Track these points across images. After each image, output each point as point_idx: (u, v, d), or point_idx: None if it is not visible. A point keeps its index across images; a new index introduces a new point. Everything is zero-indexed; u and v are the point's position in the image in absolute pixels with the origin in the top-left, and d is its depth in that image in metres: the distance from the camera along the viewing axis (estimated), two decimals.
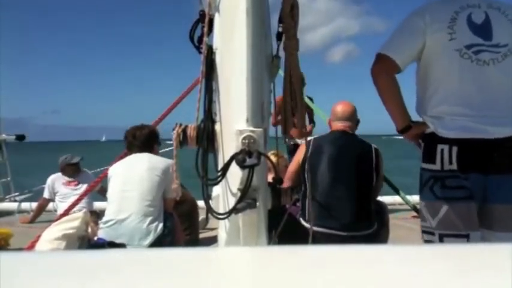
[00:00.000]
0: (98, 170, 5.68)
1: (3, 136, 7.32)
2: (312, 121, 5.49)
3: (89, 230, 3.46)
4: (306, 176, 2.76)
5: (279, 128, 1.80)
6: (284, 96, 1.66)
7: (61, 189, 5.01)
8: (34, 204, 5.88)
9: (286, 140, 4.95)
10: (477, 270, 0.56)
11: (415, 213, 3.82)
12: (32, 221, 5.20)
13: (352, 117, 3.00)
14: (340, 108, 3.01)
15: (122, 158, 3.53)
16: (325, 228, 2.63)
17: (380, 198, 3.12)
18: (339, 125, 2.96)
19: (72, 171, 5.09)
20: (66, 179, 5.07)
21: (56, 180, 5.07)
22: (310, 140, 2.92)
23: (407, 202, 3.66)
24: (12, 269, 0.58)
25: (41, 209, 5.29)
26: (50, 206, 5.27)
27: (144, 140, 3.42)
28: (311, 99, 5.26)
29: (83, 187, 4.88)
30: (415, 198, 5.11)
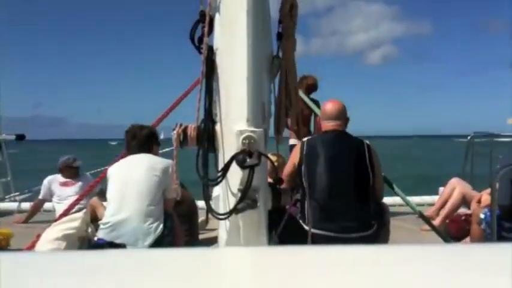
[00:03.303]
0: (98, 170, 5.66)
1: (3, 136, 7.31)
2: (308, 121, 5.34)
3: (89, 230, 3.46)
4: (303, 178, 2.74)
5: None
6: (279, 96, 1.65)
7: (57, 191, 4.99)
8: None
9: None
10: (477, 270, 0.56)
11: (417, 215, 3.81)
12: (26, 221, 5.19)
13: (342, 116, 2.96)
14: (329, 107, 2.97)
15: (121, 158, 3.52)
16: (324, 230, 2.62)
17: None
18: (329, 125, 2.93)
19: (71, 174, 5.07)
20: (63, 179, 5.05)
21: (53, 182, 5.05)
22: (303, 142, 2.89)
23: (409, 204, 3.65)
24: (12, 269, 0.58)
25: (35, 209, 5.27)
26: (50, 205, 5.25)
27: (143, 140, 3.42)
28: (317, 102, 5.12)
29: (79, 188, 4.87)
30: (415, 200, 5.11)
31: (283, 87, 1.62)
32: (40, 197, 5.16)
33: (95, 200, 4.08)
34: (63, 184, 5.03)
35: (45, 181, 5.08)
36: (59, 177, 5.08)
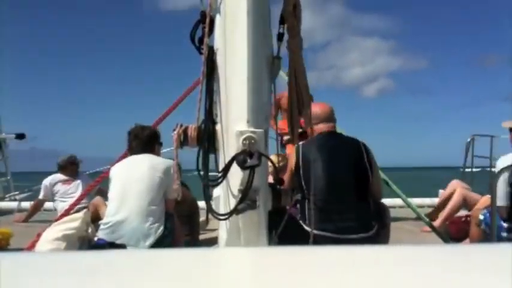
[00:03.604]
0: (98, 170, 5.67)
1: (3, 135, 7.32)
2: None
3: (89, 230, 3.46)
4: (301, 181, 2.74)
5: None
6: (290, 96, 1.65)
7: (61, 189, 5.00)
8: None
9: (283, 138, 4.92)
10: (477, 271, 0.56)
11: (417, 216, 3.81)
12: (26, 220, 5.20)
13: (333, 118, 2.98)
14: (320, 110, 2.96)
15: (123, 158, 3.52)
16: (324, 231, 2.62)
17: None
18: (323, 127, 2.92)
19: (72, 171, 5.09)
20: (64, 178, 5.06)
21: (54, 181, 5.07)
22: (299, 146, 2.87)
23: (409, 205, 3.65)
24: (12, 269, 0.58)
25: (35, 209, 5.29)
26: (50, 205, 5.26)
27: (145, 140, 3.42)
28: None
29: (81, 186, 4.89)
30: (415, 201, 5.11)
31: (293, 86, 1.61)
32: (40, 197, 5.17)
33: (98, 199, 4.09)
34: (66, 182, 5.05)
35: (46, 181, 5.10)
36: (59, 176, 5.09)
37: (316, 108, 3.01)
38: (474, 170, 5.92)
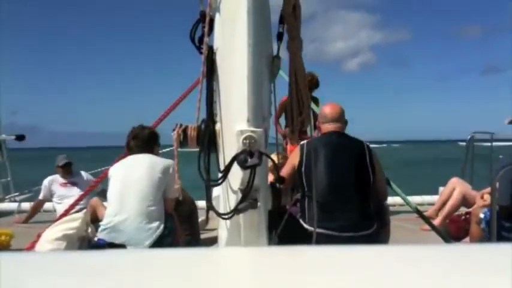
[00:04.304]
0: (98, 170, 5.67)
1: (3, 136, 7.32)
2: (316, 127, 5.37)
3: (89, 230, 3.46)
4: (303, 179, 2.75)
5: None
6: (290, 97, 1.65)
7: (58, 191, 5.04)
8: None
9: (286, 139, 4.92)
10: (477, 270, 0.56)
11: (417, 215, 3.81)
12: (26, 221, 5.21)
13: (342, 119, 3.00)
14: (329, 110, 3.00)
15: (122, 158, 3.52)
16: (325, 229, 2.63)
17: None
18: (329, 127, 2.96)
19: (65, 172, 5.13)
20: (62, 180, 5.10)
21: (53, 182, 5.10)
22: (303, 144, 2.90)
23: (409, 204, 3.65)
24: (12, 269, 0.58)
25: (35, 210, 5.30)
26: (50, 206, 5.28)
27: (144, 140, 3.42)
28: (316, 99, 5.14)
29: (79, 188, 4.91)
30: (415, 199, 5.11)
31: (293, 87, 1.62)
32: (40, 197, 5.19)
33: (95, 200, 4.09)
34: (63, 184, 5.07)
35: (45, 181, 5.12)
36: (58, 178, 5.12)
37: (325, 108, 3.04)
38: (473, 167, 5.92)
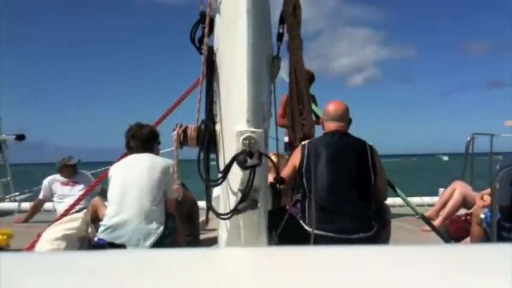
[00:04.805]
0: (99, 170, 5.67)
1: (3, 136, 7.32)
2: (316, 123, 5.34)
3: (89, 230, 3.46)
4: (304, 180, 2.74)
5: (278, 128, 1.79)
6: (291, 97, 1.65)
7: (58, 190, 5.02)
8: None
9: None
10: (477, 270, 0.56)
11: (417, 216, 3.81)
12: (26, 220, 5.20)
13: (345, 117, 2.96)
14: (332, 108, 2.97)
15: (122, 157, 3.51)
16: (325, 231, 2.62)
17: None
18: (332, 126, 2.93)
19: (69, 172, 5.10)
20: (63, 179, 5.08)
21: (53, 181, 5.08)
22: (304, 144, 2.88)
23: (410, 205, 3.65)
24: (12, 269, 0.58)
25: (35, 209, 5.29)
26: (50, 206, 5.27)
27: (144, 139, 3.40)
28: (313, 97, 5.12)
29: (80, 187, 4.90)
30: (415, 201, 5.11)
31: (294, 88, 1.62)
32: (40, 197, 5.18)
33: (96, 199, 4.08)
34: (64, 184, 5.06)
35: (46, 181, 5.11)
36: (58, 177, 5.11)
37: (329, 106, 3.01)
38: (474, 168, 5.92)
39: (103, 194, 4.19)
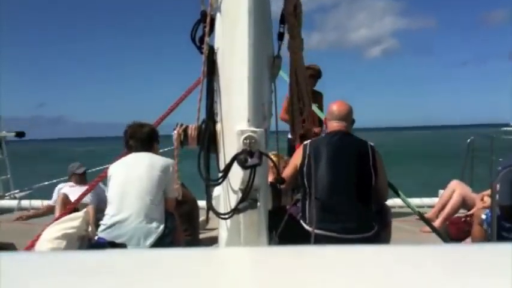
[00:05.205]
0: (98, 168, 5.68)
1: (3, 133, 7.31)
2: (320, 123, 5.31)
3: (89, 229, 3.46)
4: (304, 179, 2.75)
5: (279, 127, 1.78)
6: (291, 97, 1.65)
7: (68, 191, 5.02)
8: (34, 202, 5.88)
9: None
10: (477, 270, 0.56)
11: (417, 216, 3.81)
12: (28, 218, 5.18)
13: (348, 117, 2.98)
14: (336, 108, 3.00)
15: (122, 156, 3.51)
16: (325, 231, 2.63)
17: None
18: (334, 125, 2.94)
19: (78, 180, 5.10)
20: (73, 184, 5.09)
21: (64, 186, 5.09)
22: (306, 144, 2.89)
23: (409, 206, 3.65)
24: (12, 269, 0.58)
25: (43, 213, 5.26)
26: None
27: (144, 138, 3.40)
28: (320, 94, 5.08)
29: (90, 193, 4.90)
30: (415, 202, 5.11)
31: (294, 87, 1.62)
32: (51, 202, 5.16)
33: (90, 208, 4.03)
34: (72, 187, 5.07)
35: (57, 189, 5.13)
36: (69, 183, 5.12)
37: (333, 105, 3.03)
38: (474, 169, 5.93)
39: (101, 201, 4.16)
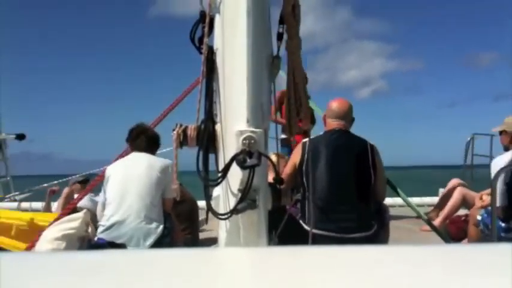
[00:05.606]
0: (97, 170, 5.68)
1: (3, 135, 7.31)
2: (312, 121, 5.32)
3: (89, 230, 3.45)
4: (304, 178, 2.74)
5: (278, 127, 1.79)
6: (288, 98, 1.65)
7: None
8: (34, 204, 5.88)
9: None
10: (477, 270, 0.56)
11: (417, 216, 3.81)
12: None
13: (347, 116, 2.95)
14: (335, 105, 2.96)
15: (120, 157, 3.50)
16: (324, 230, 2.62)
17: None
18: (333, 123, 2.92)
19: (80, 189, 5.10)
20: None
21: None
22: (305, 142, 2.88)
23: (410, 205, 3.65)
24: (12, 269, 0.58)
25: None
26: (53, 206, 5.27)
27: (153, 137, 3.43)
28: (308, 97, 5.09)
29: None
30: (415, 201, 5.12)
31: (291, 87, 1.62)
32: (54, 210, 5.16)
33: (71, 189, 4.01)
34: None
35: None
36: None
37: (333, 103, 3.00)
38: (474, 169, 5.93)
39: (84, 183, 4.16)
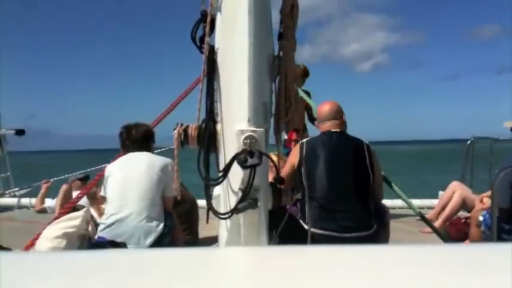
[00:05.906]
0: (95, 168, 5.68)
1: (3, 131, 7.30)
2: (312, 119, 5.30)
3: (89, 228, 3.45)
4: (302, 179, 2.75)
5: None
6: (278, 97, 1.66)
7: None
8: (34, 200, 5.88)
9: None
10: (477, 270, 0.56)
11: (418, 217, 3.81)
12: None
13: (338, 114, 2.97)
14: (324, 109, 2.99)
15: (119, 157, 3.50)
16: (324, 230, 2.63)
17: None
18: (326, 126, 2.94)
19: (80, 187, 5.11)
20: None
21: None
22: (303, 143, 2.89)
23: (410, 205, 3.64)
24: (12, 269, 0.58)
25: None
26: (52, 204, 5.28)
27: (140, 138, 3.39)
28: (308, 93, 5.09)
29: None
30: (415, 203, 5.11)
31: (282, 87, 1.63)
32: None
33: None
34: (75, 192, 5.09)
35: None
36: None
37: (320, 108, 3.03)
38: (474, 172, 5.92)
39: (92, 198, 4.17)
